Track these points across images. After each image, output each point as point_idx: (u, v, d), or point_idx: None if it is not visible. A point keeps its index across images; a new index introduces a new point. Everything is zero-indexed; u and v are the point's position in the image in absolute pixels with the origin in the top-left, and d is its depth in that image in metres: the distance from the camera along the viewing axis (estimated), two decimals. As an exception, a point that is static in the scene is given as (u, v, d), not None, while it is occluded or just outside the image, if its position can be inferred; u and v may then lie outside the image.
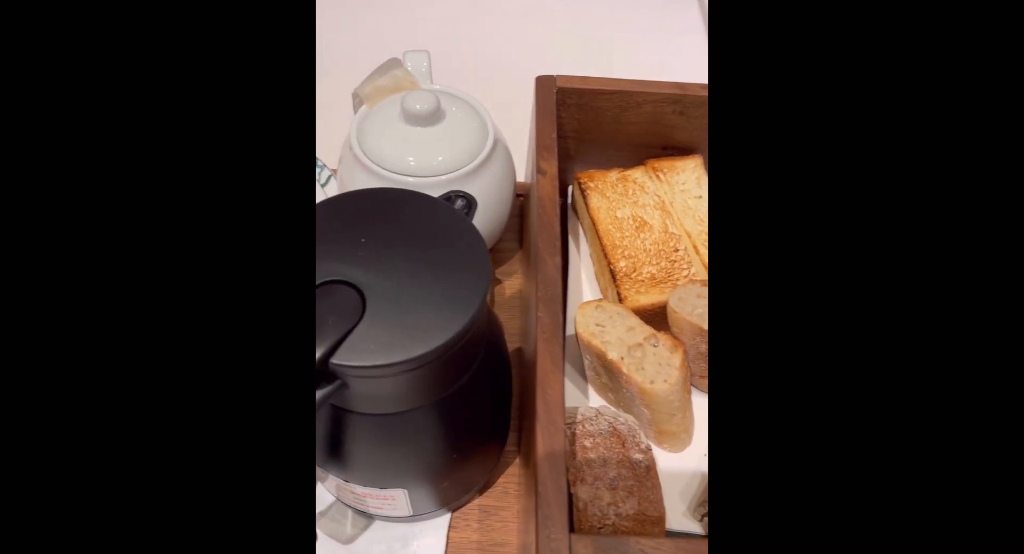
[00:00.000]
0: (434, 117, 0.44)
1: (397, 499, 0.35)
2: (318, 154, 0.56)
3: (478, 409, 0.33)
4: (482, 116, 0.46)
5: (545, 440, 0.30)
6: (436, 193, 0.42)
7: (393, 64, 0.48)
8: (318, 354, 0.25)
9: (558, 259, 0.36)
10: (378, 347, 0.26)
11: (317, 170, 0.54)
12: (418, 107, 0.43)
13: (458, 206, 0.33)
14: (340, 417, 0.30)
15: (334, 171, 0.54)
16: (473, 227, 0.31)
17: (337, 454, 0.32)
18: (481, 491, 0.41)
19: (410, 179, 0.43)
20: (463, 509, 0.40)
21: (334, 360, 0.26)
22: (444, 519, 0.40)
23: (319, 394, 0.26)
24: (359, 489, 0.34)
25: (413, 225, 0.30)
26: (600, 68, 0.60)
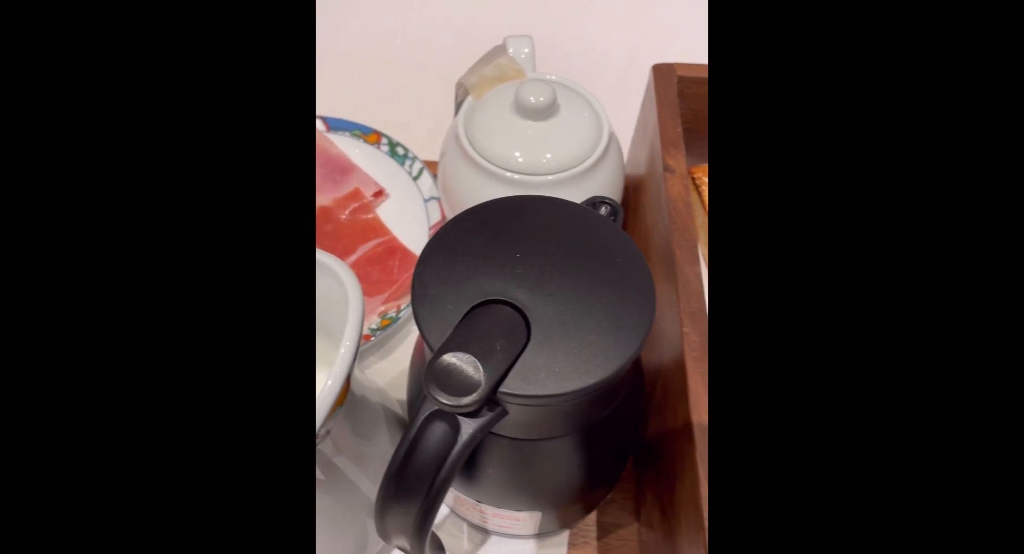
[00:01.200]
0: (549, 110, 0.41)
1: (527, 520, 0.33)
2: (410, 145, 0.53)
3: (620, 433, 0.31)
4: (596, 109, 0.43)
5: (702, 465, 0.28)
6: (552, 193, 0.39)
7: (498, 52, 0.45)
8: (488, 382, 0.23)
9: (698, 268, 0.34)
10: (548, 376, 0.24)
11: (408, 162, 0.52)
12: (532, 100, 0.40)
13: (603, 213, 0.31)
14: (482, 440, 0.29)
15: (426, 163, 0.52)
16: (629, 239, 0.28)
17: (472, 476, 0.30)
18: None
19: (522, 177, 0.41)
20: (581, 525, 0.39)
21: (502, 388, 0.24)
22: (563, 536, 0.38)
23: (480, 422, 0.24)
24: (490, 510, 0.32)
25: (567, 237, 0.28)
26: (700, 55, 0.57)
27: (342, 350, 0.25)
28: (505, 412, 0.25)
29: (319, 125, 0.54)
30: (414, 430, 0.25)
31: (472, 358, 0.23)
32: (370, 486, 0.31)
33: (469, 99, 0.44)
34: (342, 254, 0.48)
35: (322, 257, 0.28)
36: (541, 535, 0.36)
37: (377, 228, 0.50)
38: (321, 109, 0.55)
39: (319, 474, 0.29)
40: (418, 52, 0.64)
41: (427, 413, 0.25)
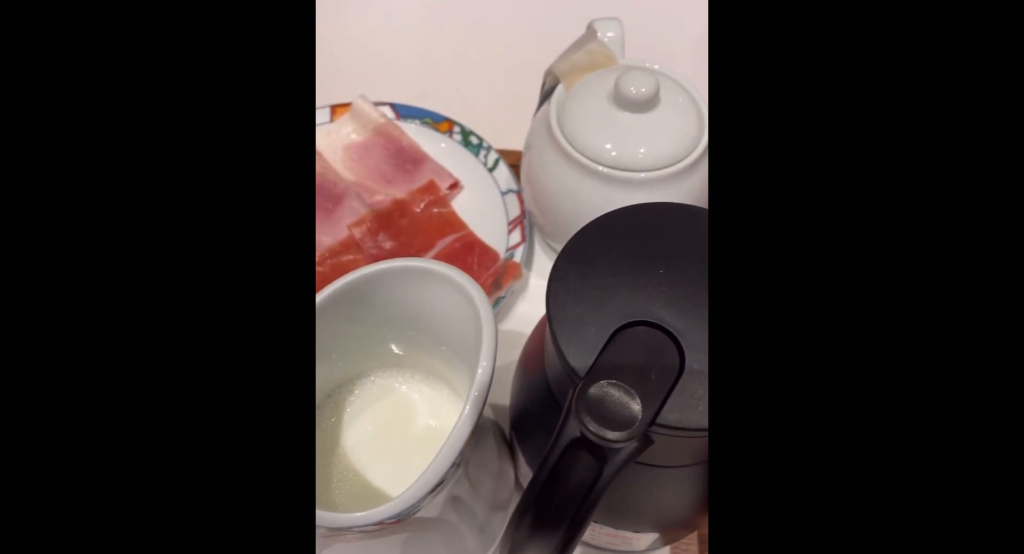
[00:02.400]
0: (651, 102, 0.38)
1: (639, 540, 0.32)
2: (485, 135, 0.51)
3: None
4: (698, 103, 0.40)
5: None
6: (647, 192, 0.37)
7: (588, 37, 0.43)
8: (647, 414, 0.21)
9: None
10: (704, 407, 0.22)
11: (483, 153, 0.50)
12: (634, 90, 0.38)
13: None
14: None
15: (501, 153, 0.50)
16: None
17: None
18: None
19: (615, 172, 0.38)
20: (684, 539, 0.37)
21: (659, 420, 0.22)
22: (664, 551, 0.37)
23: (628, 453, 0.23)
24: (605, 529, 0.31)
25: (705, 250, 0.26)
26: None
27: (479, 372, 0.24)
28: (651, 442, 0.23)
29: (388, 112, 0.52)
30: (555, 458, 0.23)
31: (628, 388, 0.21)
32: (484, 507, 0.30)
33: (560, 88, 0.42)
34: (419, 250, 0.47)
35: (447, 271, 0.27)
36: (647, 551, 0.35)
37: (453, 222, 0.48)
38: (389, 95, 0.53)
39: (446, 500, 0.28)
40: (483, 34, 0.62)
41: (569, 440, 0.23)
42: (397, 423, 0.33)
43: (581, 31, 0.45)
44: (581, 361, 0.23)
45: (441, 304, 0.27)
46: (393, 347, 0.32)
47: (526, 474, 0.33)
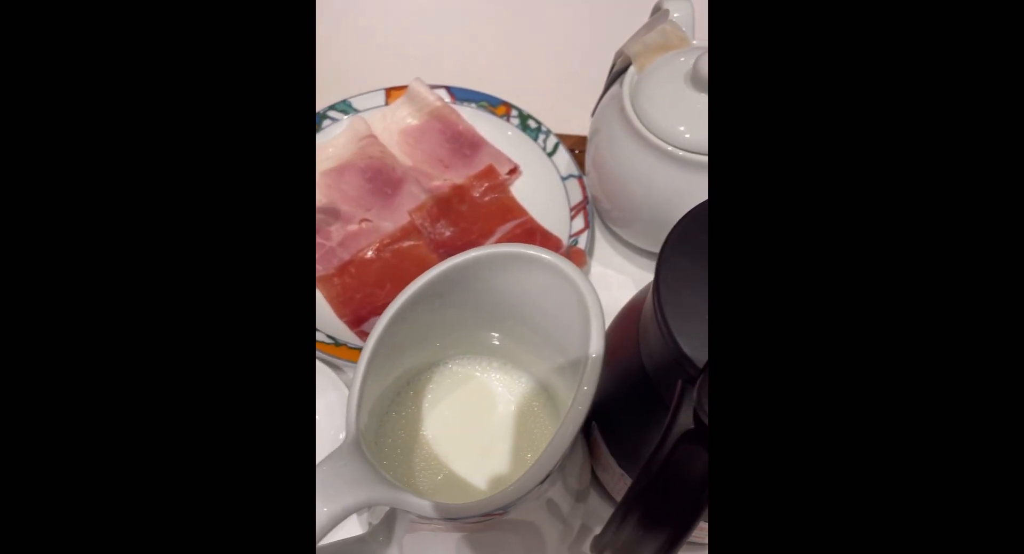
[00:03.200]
0: (730, 83, 0.37)
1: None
2: (544, 120, 0.50)
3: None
4: (777, 81, 0.39)
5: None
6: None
7: (660, 17, 0.41)
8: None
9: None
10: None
11: (542, 137, 0.49)
12: (713, 71, 0.37)
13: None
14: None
15: (561, 137, 0.49)
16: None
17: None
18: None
19: (691, 155, 0.37)
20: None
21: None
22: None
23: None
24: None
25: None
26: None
27: (590, 360, 0.23)
28: (768, 435, 0.22)
29: (444, 95, 0.51)
30: (666, 451, 0.22)
31: (753, 379, 0.21)
32: (568, 499, 0.30)
33: (631, 69, 0.40)
34: (479, 236, 0.46)
35: (552, 258, 0.26)
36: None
37: (513, 208, 0.47)
38: (444, 78, 0.52)
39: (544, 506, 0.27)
40: (540, 17, 0.60)
41: (682, 432, 0.22)
42: (476, 412, 0.33)
43: (640, 14, 0.43)
44: (696, 350, 0.22)
45: (536, 291, 0.27)
46: (481, 334, 0.31)
47: (607, 465, 0.33)
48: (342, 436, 0.37)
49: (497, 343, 0.32)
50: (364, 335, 0.41)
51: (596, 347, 0.23)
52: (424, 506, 0.22)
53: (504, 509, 0.22)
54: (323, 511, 0.20)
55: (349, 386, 0.25)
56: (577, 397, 0.23)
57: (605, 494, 0.37)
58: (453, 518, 0.22)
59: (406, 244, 0.45)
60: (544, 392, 0.32)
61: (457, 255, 0.27)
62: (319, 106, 0.51)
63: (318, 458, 0.38)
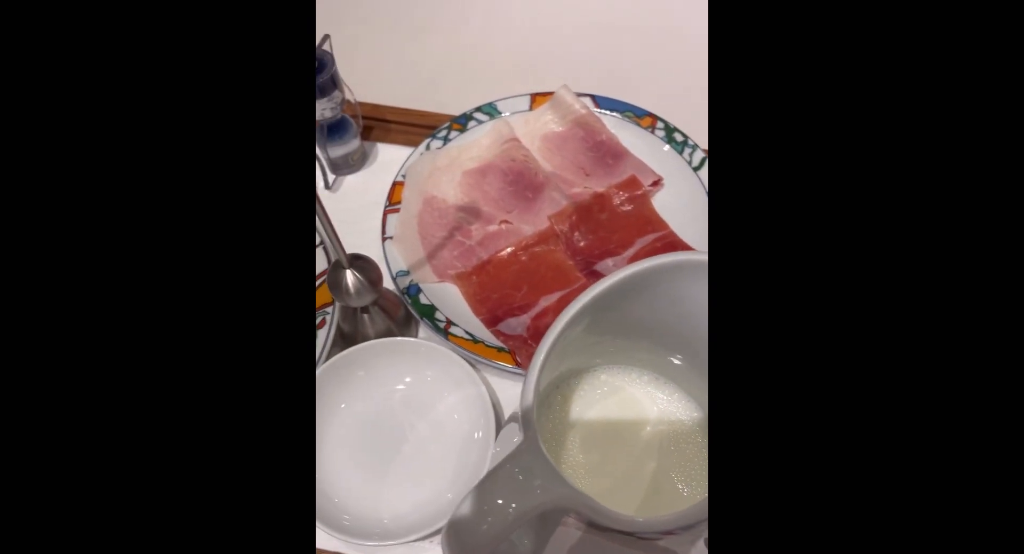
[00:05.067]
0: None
1: None
2: (691, 134, 0.49)
3: None
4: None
5: None
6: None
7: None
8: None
9: None
10: None
11: (688, 150, 0.48)
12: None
13: None
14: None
15: (707, 152, 0.48)
16: None
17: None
18: None
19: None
20: None
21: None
22: None
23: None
24: None
25: None
26: None
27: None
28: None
29: (589, 103, 0.51)
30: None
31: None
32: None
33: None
34: (618, 247, 0.45)
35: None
36: None
37: (655, 221, 0.46)
38: (590, 86, 0.52)
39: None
40: (688, 30, 0.59)
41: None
42: (627, 424, 0.32)
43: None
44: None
45: (702, 303, 0.26)
46: (639, 344, 0.31)
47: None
48: (477, 435, 0.37)
49: (643, 352, 0.32)
50: (500, 335, 0.42)
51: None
52: (621, 519, 0.22)
53: (686, 529, 0.22)
54: (511, 508, 0.20)
55: (523, 384, 0.25)
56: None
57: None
58: (645, 531, 0.21)
59: (544, 248, 0.45)
60: (700, 411, 0.31)
61: (638, 262, 0.26)
62: (466, 107, 0.52)
63: (447, 450, 0.38)
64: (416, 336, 0.44)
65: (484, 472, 0.35)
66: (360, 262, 0.37)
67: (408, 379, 0.40)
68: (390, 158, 0.52)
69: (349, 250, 0.51)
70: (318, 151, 0.49)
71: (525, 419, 0.24)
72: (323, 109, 0.46)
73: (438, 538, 0.35)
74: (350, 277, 0.36)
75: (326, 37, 0.46)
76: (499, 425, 0.37)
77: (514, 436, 0.33)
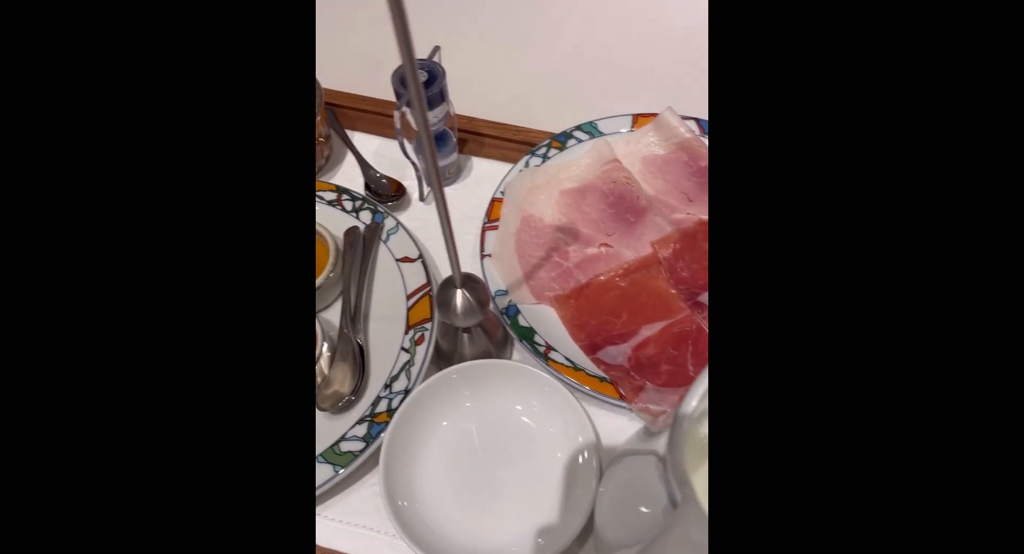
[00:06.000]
0: None
1: None
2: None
3: None
4: None
5: None
6: None
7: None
8: None
9: None
10: None
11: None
12: None
13: None
14: None
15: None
16: None
17: None
18: None
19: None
20: None
21: None
22: None
23: None
24: None
25: None
26: None
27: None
28: None
29: (693, 127, 0.49)
30: None
31: None
32: None
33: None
34: (723, 277, 0.44)
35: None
36: None
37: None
38: (694, 109, 0.50)
39: None
40: None
41: None
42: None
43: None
44: None
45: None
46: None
47: None
48: (581, 469, 0.36)
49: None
50: (600, 363, 0.40)
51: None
52: None
53: None
54: None
55: (670, 433, 0.24)
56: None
57: None
58: None
59: (646, 275, 0.44)
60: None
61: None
62: (559, 123, 0.51)
63: (549, 484, 0.37)
64: (510, 358, 0.43)
65: (587, 508, 0.34)
66: (471, 282, 0.36)
67: (516, 405, 0.39)
68: (484, 172, 0.51)
69: (442, 266, 0.50)
70: (417, 162, 0.48)
71: (677, 475, 0.22)
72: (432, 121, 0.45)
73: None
74: (460, 297, 0.36)
75: (436, 49, 0.45)
76: (600, 460, 0.36)
77: (624, 474, 0.32)
